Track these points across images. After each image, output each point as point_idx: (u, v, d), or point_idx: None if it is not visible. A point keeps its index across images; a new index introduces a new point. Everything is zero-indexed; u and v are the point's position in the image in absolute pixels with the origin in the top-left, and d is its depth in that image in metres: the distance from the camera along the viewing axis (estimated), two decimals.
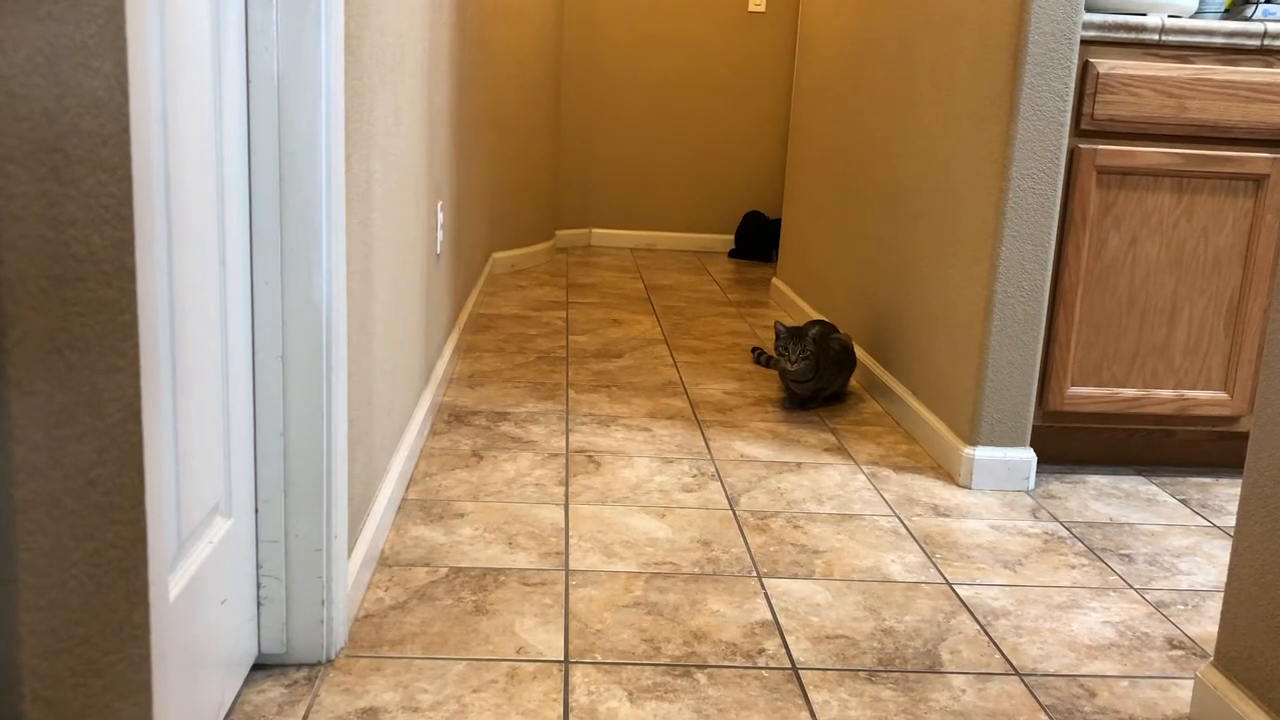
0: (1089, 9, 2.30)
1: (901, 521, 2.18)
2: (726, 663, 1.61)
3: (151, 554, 0.90)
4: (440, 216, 2.71)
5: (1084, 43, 2.26)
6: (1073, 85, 2.24)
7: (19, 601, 0.69)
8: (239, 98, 1.34)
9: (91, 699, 0.79)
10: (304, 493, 1.48)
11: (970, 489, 2.38)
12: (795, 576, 1.90)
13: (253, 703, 1.44)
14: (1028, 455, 2.39)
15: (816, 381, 2.85)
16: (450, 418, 2.65)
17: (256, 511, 1.47)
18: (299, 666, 1.53)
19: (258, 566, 1.49)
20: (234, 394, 1.37)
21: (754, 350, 3.43)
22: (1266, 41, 2.28)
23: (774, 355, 2.89)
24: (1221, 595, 1.91)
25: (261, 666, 1.52)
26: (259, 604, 1.50)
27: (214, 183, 1.27)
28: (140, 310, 0.85)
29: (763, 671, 1.59)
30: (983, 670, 1.64)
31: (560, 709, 1.47)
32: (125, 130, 0.81)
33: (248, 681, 1.48)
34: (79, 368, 0.75)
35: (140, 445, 0.86)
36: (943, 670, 1.63)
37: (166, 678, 0.95)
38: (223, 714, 1.39)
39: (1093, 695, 1.59)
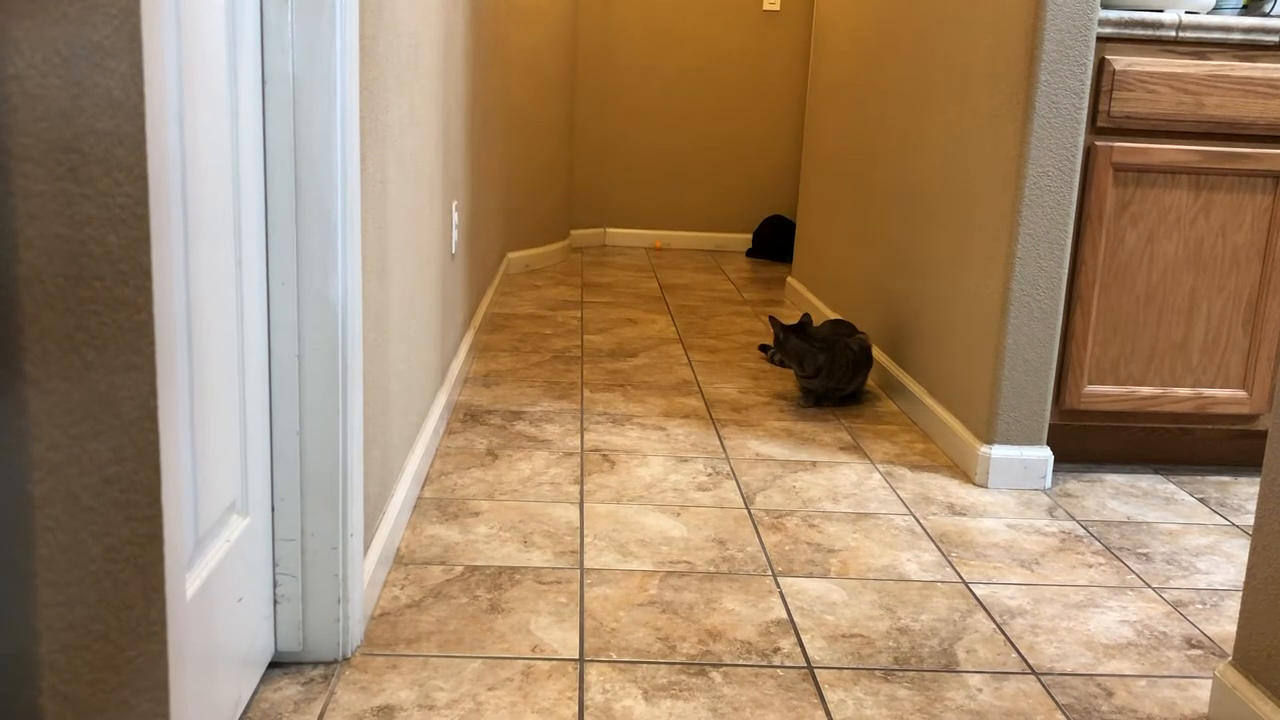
0: (1105, 6, 2.29)
1: (917, 520, 2.17)
2: (742, 661, 1.61)
3: (168, 551, 0.91)
4: (455, 216, 2.72)
5: (1100, 39, 2.25)
6: (1089, 82, 2.23)
7: (37, 597, 0.70)
8: (254, 98, 1.35)
9: (109, 694, 0.80)
10: (320, 491, 1.48)
11: (986, 488, 2.37)
12: (810, 575, 1.90)
13: (269, 700, 1.45)
14: (1044, 454, 2.38)
15: (826, 379, 2.84)
16: (466, 417, 2.66)
17: (273, 510, 1.48)
18: (315, 664, 1.53)
19: (274, 565, 1.49)
20: (250, 393, 1.37)
21: (763, 349, 3.43)
22: None
23: (776, 342, 2.95)
24: (1240, 594, 1.90)
25: (278, 664, 1.53)
26: (275, 602, 1.51)
27: (230, 182, 1.27)
28: (156, 309, 0.85)
29: (778, 670, 1.59)
30: (999, 669, 1.63)
31: (575, 707, 1.47)
32: (141, 130, 0.81)
33: (264, 679, 1.49)
34: (96, 366, 0.76)
35: (157, 443, 0.86)
36: (959, 669, 1.62)
37: (183, 674, 0.95)
38: (240, 711, 1.39)
39: (1110, 695, 1.58)
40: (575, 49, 5.17)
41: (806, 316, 2.90)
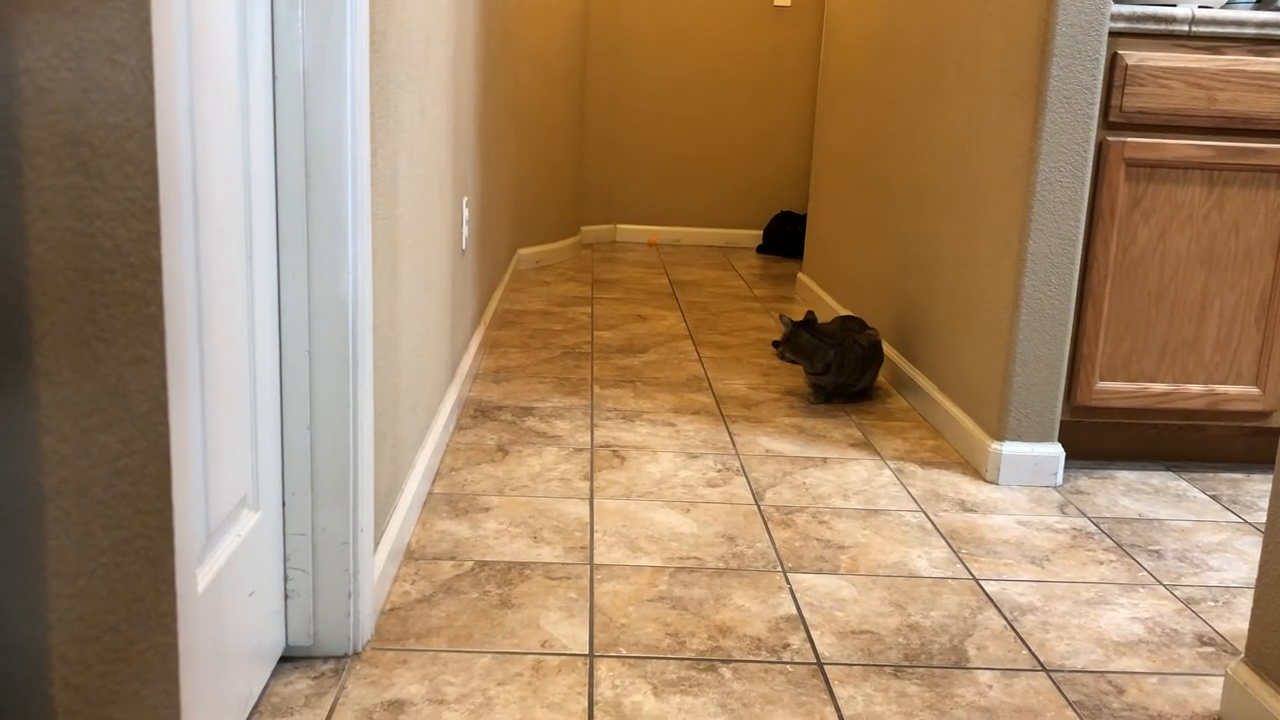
0: (1117, 0, 2.28)
1: (928, 517, 2.17)
2: (751, 657, 1.61)
3: (179, 544, 0.91)
4: (465, 212, 2.72)
5: (1112, 34, 2.24)
6: (1101, 77, 2.22)
7: (48, 589, 0.70)
8: (265, 94, 1.35)
9: (119, 686, 0.80)
10: (330, 487, 1.49)
11: (997, 484, 2.36)
12: (820, 571, 1.90)
13: (280, 694, 1.45)
14: (1055, 450, 2.37)
15: (836, 375, 2.84)
16: (476, 413, 2.66)
17: (284, 505, 1.48)
18: (326, 659, 1.54)
19: (285, 559, 1.50)
20: (261, 388, 1.38)
21: (775, 344, 3.43)
22: None
23: (785, 338, 2.94)
24: (1252, 592, 1.89)
25: (288, 659, 1.53)
26: (286, 597, 1.51)
27: (240, 177, 1.28)
28: (166, 303, 0.86)
29: (787, 666, 1.59)
30: (1009, 666, 1.63)
31: (585, 702, 1.47)
32: (151, 124, 0.82)
33: (275, 673, 1.50)
34: (106, 359, 0.76)
35: (167, 436, 0.87)
36: (969, 666, 1.62)
37: (194, 667, 0.96)
38: (250, 705, 1.40)
39: (1121, 692, 1.58)
40: (585, 45, 5.16)
41: (811, 314, 2.89)
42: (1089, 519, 2.20)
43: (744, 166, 5.46)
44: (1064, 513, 2.23)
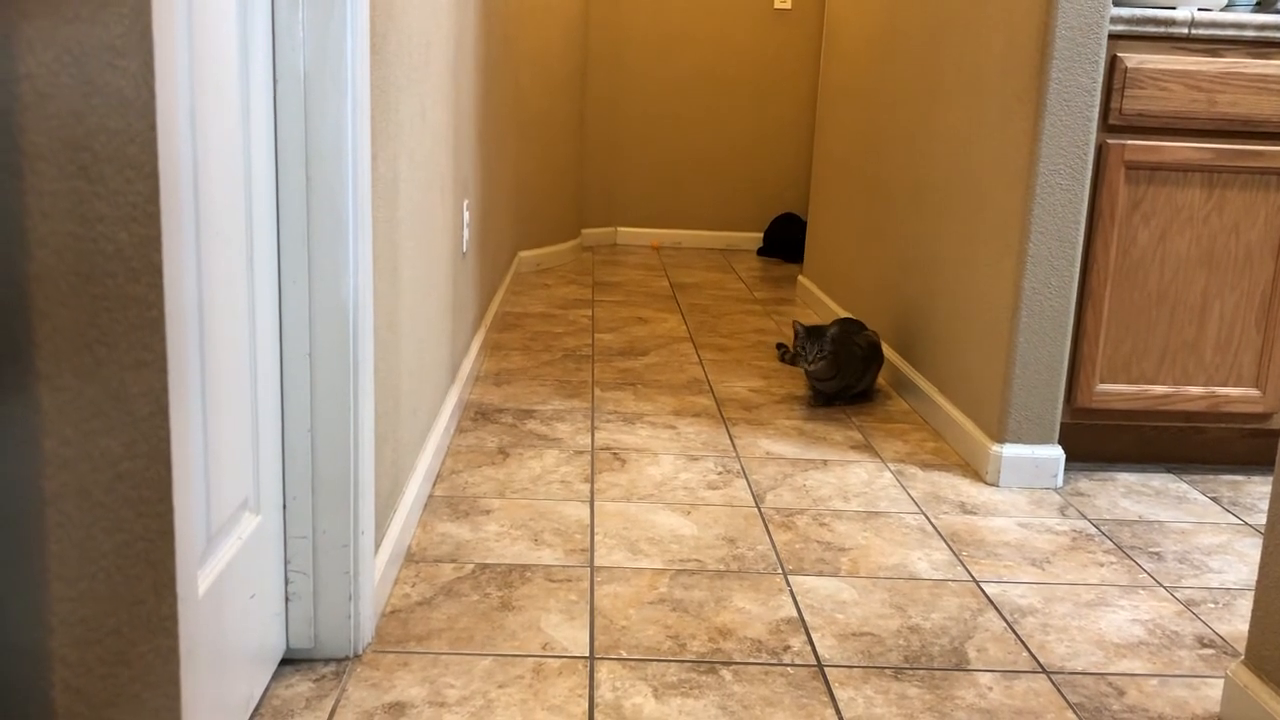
0: (1117, 3, 2.29)
1: (928, 519, 2.17)
2: (752, 659, 1.61)
3: (180, 547, 0.91)
4: (466, 215, 2.72)
5: (1112, 37, 2.25)
6: (1100, 80, 2.22)
7: (49, 592, 0.70)
8: (266, 97, 1.36)
9: (120, 689, 0.80)
10: (331, 489, 1.49)
11: (998, 486, 2.37)
12: (821, 574, 1.90)
13: (281, 697, 1.45)
14: (1056, 453, 2.37)
15: (840, 379, 2.84)
16: (477, 415, 2.67)
17: (285, 508, 1.49)
18: (326, 661, 1.54)
19: (286, 562, 1.50)
20: (262, 391, 1.38)
21: (779, 346, 3.43)
22: None
23: (795, 353, 2.89)
24: (1252, 593, 1.89)
25: (289, 661, 1.53)
26: (287, 599, 1.51)
27: (241, 181, 1.28)
28: (167, 306, 0.86)
29: (788, 668, 1.59)
30: (1010, 668, 1.63)
31: (585, 705, 1.47)
32: (152, 128, 0.82)
33: (276, 676, 1.50)
34: (107, 362, 0.76)
35: (168, 440, 0.87)
36: (969, 668, 1.62)
37: (195, 670, 0.96)
38: (251, 708, 1.40)
39: (1121, 694, 1.58)
40: (586, 48, 5.17)
41: (797, 323, 2.87)
42: (1089, 521, 2.20)
43: (744, 169, 5.46)
44: (1064, 515, 2.23)
